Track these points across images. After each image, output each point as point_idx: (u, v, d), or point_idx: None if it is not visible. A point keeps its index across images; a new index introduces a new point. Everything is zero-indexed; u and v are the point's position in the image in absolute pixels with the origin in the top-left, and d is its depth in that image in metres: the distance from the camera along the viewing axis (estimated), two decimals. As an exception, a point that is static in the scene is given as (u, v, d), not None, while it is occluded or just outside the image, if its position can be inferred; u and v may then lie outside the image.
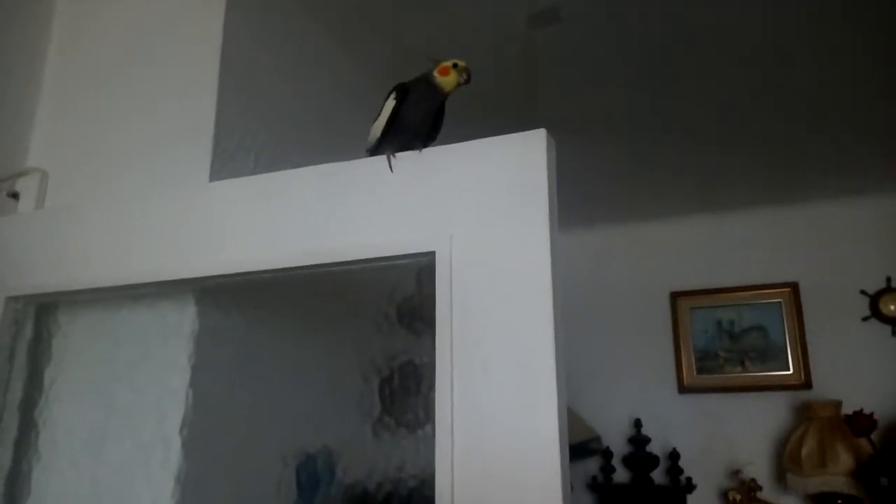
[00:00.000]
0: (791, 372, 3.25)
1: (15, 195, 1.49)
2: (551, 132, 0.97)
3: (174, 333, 1.20)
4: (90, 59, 1.61)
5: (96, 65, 1.60)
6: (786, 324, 3.31)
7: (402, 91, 1.12)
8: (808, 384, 3.20)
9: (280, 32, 1.68)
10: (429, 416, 0.92)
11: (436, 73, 1.11)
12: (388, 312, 1.03)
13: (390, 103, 1.12)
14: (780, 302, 3.34)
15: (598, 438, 3.38)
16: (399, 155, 1.03)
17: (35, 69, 1.62)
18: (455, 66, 1.10)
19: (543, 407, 0.85)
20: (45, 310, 1.31)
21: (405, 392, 1.00)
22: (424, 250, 0.97)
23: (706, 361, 3.42)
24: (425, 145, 1.07)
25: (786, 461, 3.00)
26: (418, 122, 1.10)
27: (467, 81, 1.10)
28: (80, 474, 1.22)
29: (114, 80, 1.56)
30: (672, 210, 3.54)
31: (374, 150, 1.13)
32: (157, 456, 1.16)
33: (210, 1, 1.49)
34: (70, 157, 1.53)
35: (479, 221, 0.95)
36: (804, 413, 3.06)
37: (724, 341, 3.42)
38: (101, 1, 1.64)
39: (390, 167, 1.03)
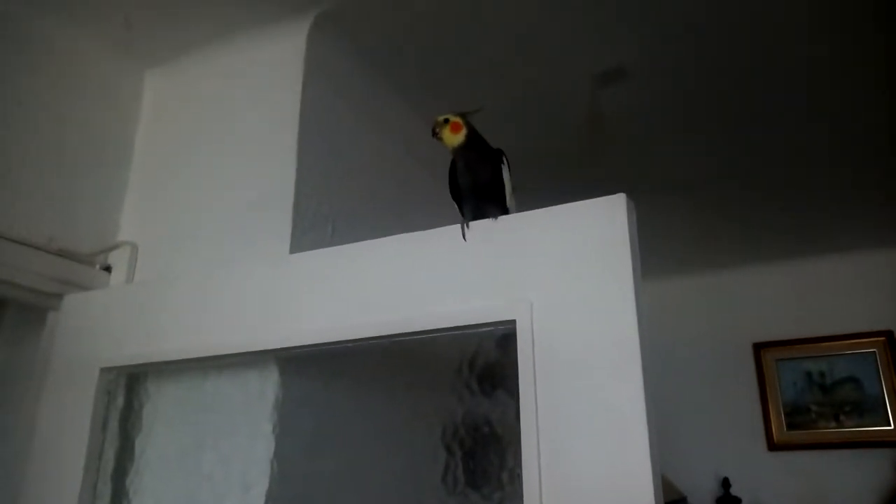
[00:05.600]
0: (892, 427, 3.05)
1: (108, 268, 1.57)
2: (625, 186, 0.96)
3: (258, 402, 1.22)
4: (176, 134, 1.70)
5: (182, 140, 1.68)
6: (882, 374, 3.13)
7: (452, 160, 1.14)
8: (911, 440, 3.00)
9: (356, 101, 1.73)
10: (515, 489, 0.89)
11: None
12: (469, 381, 1.02)
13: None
14: (874, 352, 3.16)
15: (684, 499, 3.23)
16: (473, 224, 1.03)
17: (126, 146, 1.72)
18: None
19: (637, 471, 0.82)
20: (135, 380, 1.35)
21: (488, 463, 0.98)
22: (504, 318, 0.96)
23: (797, 416, 3.25)
24: (504, 211, 1.07)
25: (892, 524, 2.80)
26: (471, 185, 1.11)
27: (433, 134, 1.14)
28: (169, 544, 1.23)
29: (198, 155, 1.64)
30: (753, 258, 3.42)
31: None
32: (244, 526, 1.17)
33: (289, 75, 1.55)
34: (158, 229, 1.61)
35: (559, 288, 0.94)
36: (909, 472, 2.86)
37: (815, 394, 3.25)
38: (185, 79, 1.74)
39: (463, 236, 1.03)
